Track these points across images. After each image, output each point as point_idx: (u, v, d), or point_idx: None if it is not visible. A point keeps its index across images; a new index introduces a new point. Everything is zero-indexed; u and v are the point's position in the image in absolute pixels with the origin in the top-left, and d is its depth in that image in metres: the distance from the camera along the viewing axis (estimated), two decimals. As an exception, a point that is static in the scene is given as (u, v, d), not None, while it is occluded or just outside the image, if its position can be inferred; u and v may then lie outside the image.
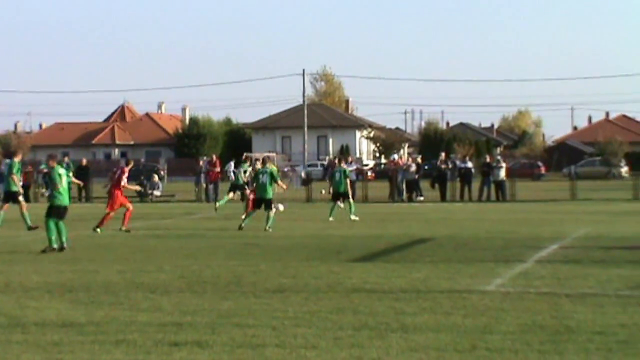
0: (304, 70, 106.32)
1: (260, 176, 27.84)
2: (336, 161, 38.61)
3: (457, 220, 31.83)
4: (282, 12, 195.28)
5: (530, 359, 9.86)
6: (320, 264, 18.57)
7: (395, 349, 10.38)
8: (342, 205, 32.51)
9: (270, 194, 27.70)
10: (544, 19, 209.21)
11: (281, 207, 31.14)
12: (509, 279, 16.02)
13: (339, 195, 32.37)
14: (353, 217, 31.26)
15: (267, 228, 26.81)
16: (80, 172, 49.23)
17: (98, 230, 26.73)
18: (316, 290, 14.85)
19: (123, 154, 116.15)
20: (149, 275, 17.16)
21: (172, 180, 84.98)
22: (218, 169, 50.07)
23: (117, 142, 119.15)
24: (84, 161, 53.12)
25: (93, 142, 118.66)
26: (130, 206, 27.82)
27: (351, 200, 32.63)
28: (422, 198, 46.18)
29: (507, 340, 10.76)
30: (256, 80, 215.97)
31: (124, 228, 27.12)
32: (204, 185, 50.22)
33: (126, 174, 27.96)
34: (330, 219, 31.11)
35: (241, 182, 35.23)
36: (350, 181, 34.75)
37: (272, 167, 28.88)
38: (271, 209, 27.53)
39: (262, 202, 27.67)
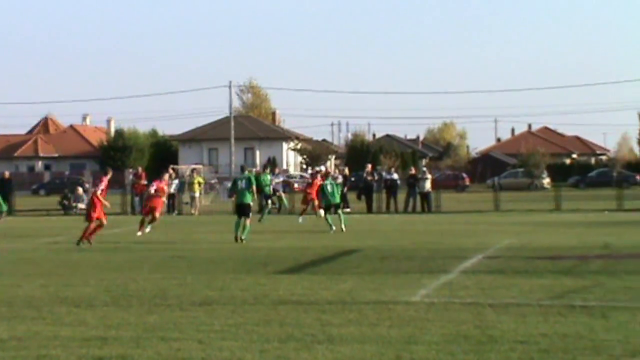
0: (230, 82, 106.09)
1: (239, 182, 28.15)
2: (319, 174, 38.71)
3: (383, 231, 31.95)
4: (208, 23, 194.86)
5: (455, 369, 9.92)
6: (247, 276, 18.54)
7: (321, 361, 10.40)
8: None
9: (249, 199, 27.82)
10: (467, 32, 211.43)
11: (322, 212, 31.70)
12: (434, 289, 16.07)
13: (331, 206, 31.86)
14: (343, 226, 31.09)
15: (242, 238, 26.82)
16: (2, 185, 48.68)
17: (86, 244, 26.45)
18: (243, 303, 14.80)
19: (47, 167, 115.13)
20: (73, 289, 16.95)
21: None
22: (144, 182, 49.78)
23: (41, 154, 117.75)
24: (7, 174, 52.42)
25: (15, 154, 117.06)
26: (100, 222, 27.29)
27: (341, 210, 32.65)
28: (348, 210, 46.23)
29: (432, 350, 10.83)
30: (183, 92, 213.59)
31: (84, 242, 26.60)
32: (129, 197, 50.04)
33: (104, 183, 27.84)
34: (333, 228, 30.93)
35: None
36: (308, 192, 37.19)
37: (250, 173, 29.50)
38: (249, 216, 27.52)
39: (242, 207, 27.66)
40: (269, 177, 40.46)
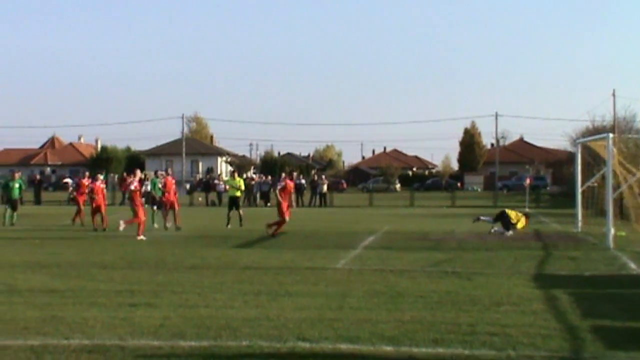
0: (183, 115, 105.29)
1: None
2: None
3: (298, 220, 31.61)
4: (164, 70, 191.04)
5: (383, 313, 9.85)
6: (216, 249, 18.27)
7: (288, 308, 10.24)
8: None
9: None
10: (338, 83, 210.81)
11: (122, 227, 23.02)
12: (349, 260, 15.94)
13: None
14: None
15: None
16: (36, 185, 47.44)
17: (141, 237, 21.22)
18: (219, 267, 14.56)
19: (53, 171, 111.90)
20: (98, 256, 16.52)
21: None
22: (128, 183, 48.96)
23: (49, 163, 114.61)
24: (37, 177, 51.03)
25: (32, 162, 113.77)
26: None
27: None
28: (270, 204, 46.02)
29: (362, 301, 10.73)
30: (149, 120, 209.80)
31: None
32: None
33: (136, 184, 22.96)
34: None
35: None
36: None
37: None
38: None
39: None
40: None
